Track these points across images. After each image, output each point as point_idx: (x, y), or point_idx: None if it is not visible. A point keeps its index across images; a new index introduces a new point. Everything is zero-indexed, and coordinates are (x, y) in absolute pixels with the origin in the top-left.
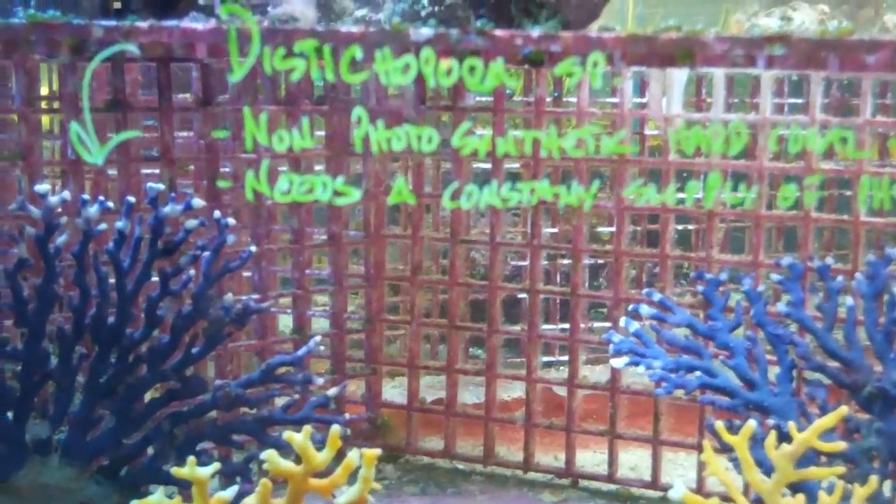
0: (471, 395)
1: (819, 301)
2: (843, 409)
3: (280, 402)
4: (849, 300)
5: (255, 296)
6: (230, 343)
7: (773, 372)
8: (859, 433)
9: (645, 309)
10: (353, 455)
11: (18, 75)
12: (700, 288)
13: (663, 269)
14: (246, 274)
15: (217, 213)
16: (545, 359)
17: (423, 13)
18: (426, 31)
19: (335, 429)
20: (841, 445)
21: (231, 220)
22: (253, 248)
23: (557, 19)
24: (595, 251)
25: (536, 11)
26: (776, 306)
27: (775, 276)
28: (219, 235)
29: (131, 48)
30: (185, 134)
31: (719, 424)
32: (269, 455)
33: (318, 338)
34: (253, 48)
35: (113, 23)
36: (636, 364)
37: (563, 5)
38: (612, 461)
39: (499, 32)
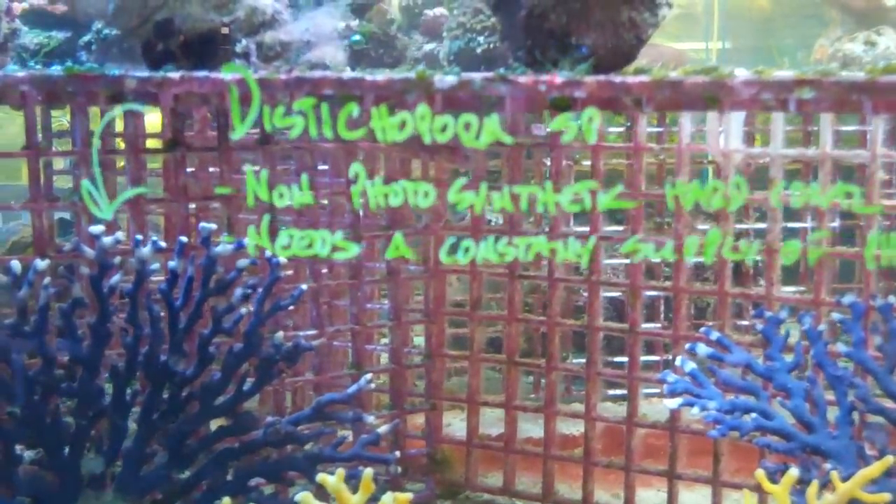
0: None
1: (880, 341)
2: (890, 459)
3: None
4: None
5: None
6: (288, 378)
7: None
8: None
9: (702, 348)
10: (386, 499)
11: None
12: (760, 326)
13: (722, 306)
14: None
15: (268, 252)
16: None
17: (478, 50)
18: (450, 79)
19: (367, 472)
20: (886, 497)
21: (283, 259)
22: (304, 286)
23: (589, 63)
24: (654, 287)
25: (571, 54)
26: (836, 346)
27: (836, 315)
28: (270, 274)
29: (137, 108)
30: None
31: (759, 472)
32: (304, 497)
33: (369, 375)
34: (253, 106)
35: (146, 74)
36: (691, 405)
37: (599, 48)
38: (672, 501)
39: (522, 78)
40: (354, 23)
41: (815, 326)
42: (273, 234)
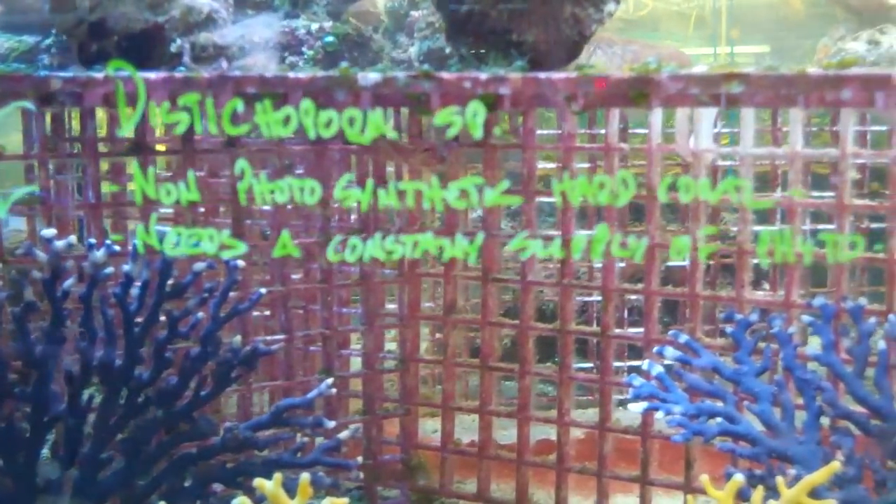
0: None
1: (850, 344)
2: (835, 465)
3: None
4: (881, 343)
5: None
6: (254, 384)
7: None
8: (885, 486)
9: (670, 351)
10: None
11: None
12: (729, 329)
13: (693, 309)
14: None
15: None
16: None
17: (447, 50)
18: (374, 76)
19: (304, 477)
20: (831, 503)
21: (241, 263)
22: (263, 290)
23: (526, 60)
24: (626, 290)
25: (514, 50)
26: (806, 349)
27: (806, 318)
28: (228, 277)
29: (27, 105)
30: None
31: (704, 478)
32: (241, 502)
33: (329, 380)
34: (139, 102)
35: (71, 74)
36: (656, 409)
37: (541, 45)
38: None
39: (446, 76)
40: (328, 24)
41: (785, 329)
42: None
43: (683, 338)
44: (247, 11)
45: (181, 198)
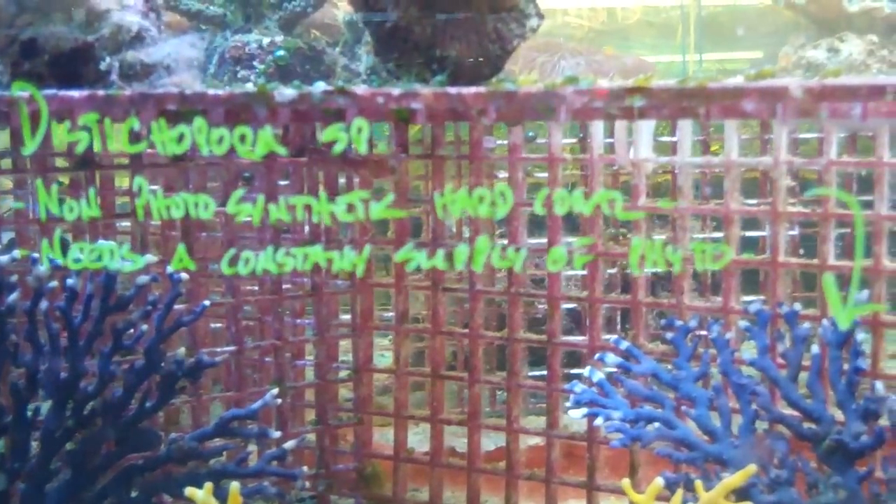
0: (490, 441)
1: (784, 348)
2: (752, 468)
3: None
4: (815, 348)
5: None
6: (205, 395)
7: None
8: (817, 488)
9: (610, 357)
10: None
11: None
12: (669, 335)
13: (636, 316)
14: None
15: (169, 268)
16: None
17: (390, 64)
18: (290, 92)
19: (234, 486)
20: None
21: (184, 276)
22: (207, 302)
23: (448, 74)
24: (569, 298)
25: (437, 64)
26: (742, 354)
27: (743, 323)
28: (172, 290)
29: None
30: None
31: (626, 482)
32: None
33: (275, 391)
34: (42, 122)
35: None
36: (595, 415)
37: (464, 59)
38: None
39: (360, 91)
40: (280, 38)
41: (723, 334)
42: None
43: (624, 344)
44: (179, 30)
45: (83, 214)
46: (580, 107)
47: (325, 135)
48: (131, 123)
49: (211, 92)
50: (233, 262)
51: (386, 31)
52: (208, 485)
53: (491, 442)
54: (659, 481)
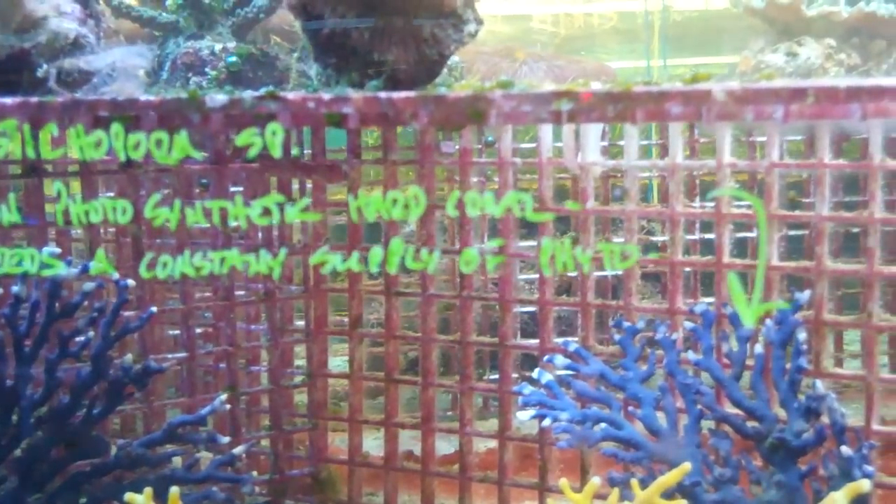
0: (450, 445)
1: (728, 348)
2: (686, 466)
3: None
4: (758, 347)
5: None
6: (156, 401)
7: None
8: (760, 486)
9: (559, 359)
10: None
11: None
12: (617, 337)
13: (585, 317)
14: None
15: (116, 275)
16: None
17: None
18: (221, 98)
19: (174, 491)
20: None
21: (130, 282)
22: (154, 309)
23: (385, 79)
24: (521, 301)
25: (374, 69)
26: (688, 354)
27: (688, 324)
28: (118, 297)
29: None
30: None
31: (563, 482)
32: None
33: (223, 396)
34: None
35: None
36: (542, 416)
37: (401, 64)
38: None
39: (291, 96)
40: (232, 44)
41: (669, 335)
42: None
43: (573, 346)
44: (121, 39)
45: (2, 219)
46: (509, 111)
47: (239, 139)
48: (50, 129)
49: (143, 98)
50: (150, 266)
51: (323, 37)
52: (148, 490)
53: (451, 445)
54: (596, 481)
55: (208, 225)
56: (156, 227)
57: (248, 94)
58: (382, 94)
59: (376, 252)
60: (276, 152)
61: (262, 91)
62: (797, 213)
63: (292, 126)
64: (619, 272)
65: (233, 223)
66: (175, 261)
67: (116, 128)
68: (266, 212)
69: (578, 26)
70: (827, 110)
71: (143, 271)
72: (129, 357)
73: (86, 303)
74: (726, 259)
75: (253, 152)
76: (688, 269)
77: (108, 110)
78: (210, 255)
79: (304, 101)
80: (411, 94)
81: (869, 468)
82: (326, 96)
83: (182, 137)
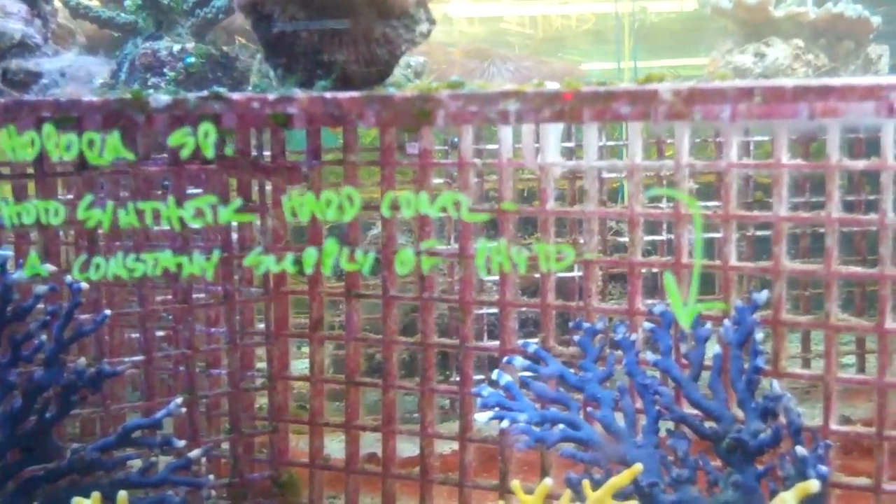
0: (416, 447)
1: (686, 349)
2: (638, 467)
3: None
4: (716, 347)
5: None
6: (114, 405)
7: None
8: (718, 486)
9: (518, 361)
10: None
11: None
12: (576, 338)
13: (545, 318)
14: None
15: (69, 278)
16: None
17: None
18: (164, 98)
19: (122, 495)
20: None
21: (84, 285)
22: (108, 312)
23: (330, 80)
24: (481, 302)
25: (323, 69)
26: (647, 355)
27: (647, 324)
28: (71, 300)
29: None
30: None
31: (515, 483)
32: None
33: (179, 400)
34: None
35: None
36: (501, 418)
37: (352, 64)
38: None
39: (236, 96)
40: (191, 45)
41: (628, 336)
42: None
43: (532, 347)
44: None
45: None
46: (456, 111)
47: (171, 139)
48: None
49: (85, 99)
50: (84, 268)
51: (273, 37)
52: (96, 495)
53: (417, 447)
54: (547, 482)
55: (139, 226)
56: (115, 229)
57: (193, 95)
58: (328, 94)
59: (310, 253)
60: (209, 152)
61: (206, 91)
62: (755, 213)
63: (239, 127)
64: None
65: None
66: (108, 262)
67: (48, 128)
68: (199, 213)
69: (556, 28)
70: (775, 110)
71: (76, 273)
72: (82, 360)
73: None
74: (685, 259)
75: (185, 153)
76: (655, 270)
77: (50, 111)
78: (143, 257)
79: (249, 102)
80: (357, 94)
81: (823, 468)
82: (271, 96)
83: (114, 138)
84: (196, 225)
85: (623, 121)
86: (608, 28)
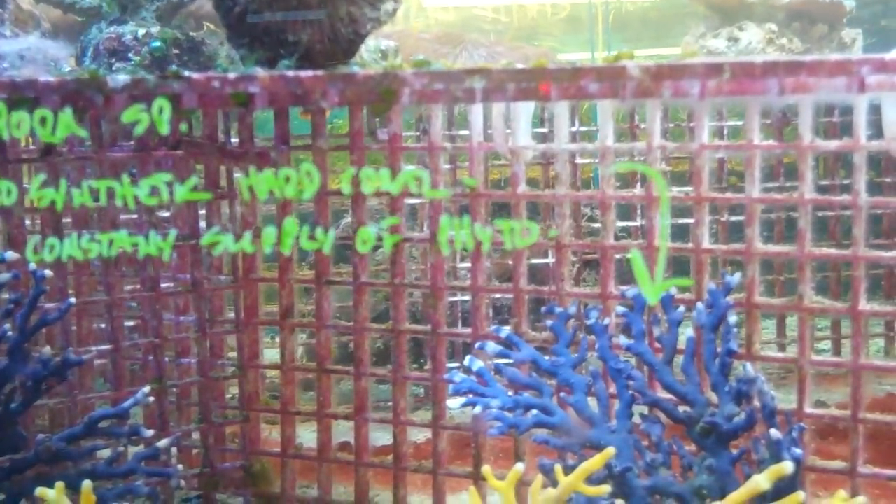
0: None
1: (659, 332)
2: (610, 451)
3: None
4: (689, 331)
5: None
6: (81, 395)
7: None
8: (692, 470)
9: (491, 346)
10: None
11: None
12: (549, 322)
13: (518, 303)
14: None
15: (32, 266)
16: None
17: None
18: (123, 78)
19: (86, 485)
20: (605, 489)
21: (48, 272)
22: (73, 300)
23: (297, 59)
24: (453, 287)
25: (287, 49)
26: (620, 339)
27: (620, 308)
28: (34, 288)
29: None
30: None
31: (486, 469)
32: None
33: (146, 389)
34: None
35: None
36: (473, 404)
37: (316, 44)
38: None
39: (195, 76)
40: (156, 29)
41: (601, 320)
42: None
43: (505, 332)
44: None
45: None
46: (421, 88)
47: (125, 115)
48: None
49: (42, 79)
50: (37, 249)
51: (235, 17)
52: (59, 484)
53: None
54: (519, 467)
55: (94, 205)
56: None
57: (152, 76)
58: (290, 73)
59: (269, 232)
60: (164, 129)
61: (165, 71)
62: (728, 195)
63: (199, 107)
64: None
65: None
66: (62, 243)
67: None
68: (154, 191)
69: (531, 17)
70: (745, 86)
71: (29, 254)
72: (47, 349)
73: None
74: (657, 242)
75: (139, 129)
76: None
77: (6, 91)
78: (98, 237)
79: (209, 81)
80: (319, 72)
81: (797, 451)
82: (232, 76)
83: (66, 115)
84: (151, 203)
85: (591, 99)
86: (583, 17)
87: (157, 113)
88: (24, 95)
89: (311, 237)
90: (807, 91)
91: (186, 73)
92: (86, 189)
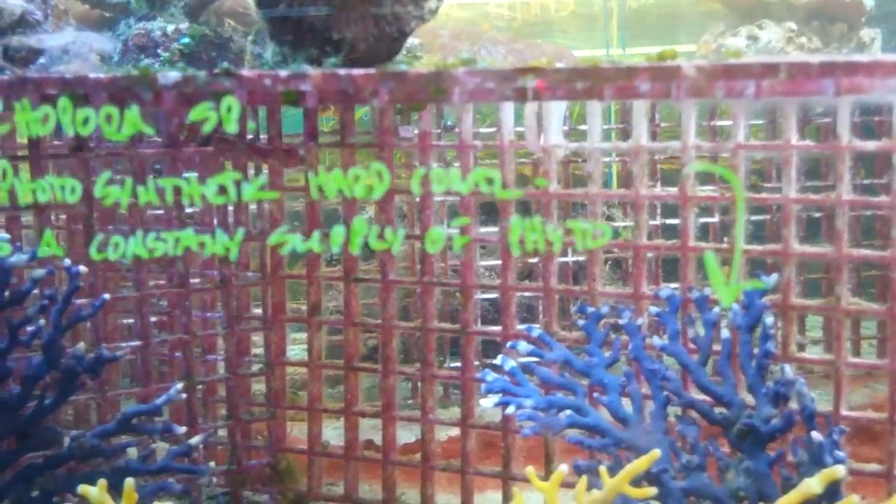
0: (412, 433)
1: (694, 333)
2: (656, 453)
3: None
4: (725, 332)
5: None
6: (110, 391)
7: None
8: (729, 473)
9: (523, 346)
10: None
11: None
12: (581, 322)
13: (548, 303)
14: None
15: (67, 261)
16: None
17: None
18: (174, 75)
19: (129, 483)
20: (650, 492)
21: (82, 268)
22: (107, 296)
23: (343, 57)
24: (483, 286)
25: (332, 47)
26: (654, 340)
27: (654, 309)
28: (69, 284)
29: None
30: None
31: (530, 470)
32: None
33: (179, 386)
34: None
35: None
36: (506, 404)
37: (360, 42)
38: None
39: (246, 73)
40: (185, 25)
41: (634, 320)
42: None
43: (536, 332)
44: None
45: None
46: (473, 88)
47: (192, 114)
48: None
49: (92, 76)
50: (102, 247)
51: (280, 13)
52: (102, 482)
53: (413, 434)
54: (563, 468)
55: (160, 204)
56: (108, 208)
57: (202, 72)
58: (342, 71)
59: (338, 231)
60: (232, 128)
61: (217, 68)
62: (764, 195)
63: (248, 104)
64: (582, 258)
65: (188, 206)
66: (127, 242)
67: (64, 102)
68: (222, 190)
69: (535, 13)
70: (800, 86)
71: (93, 252)
72: (81, 345)
73: (37, 290)
74: (692, 243)
75: (208, 127)
76: (650, 254)
77: (56, 88)
78: (164, 236)
79: (261, 78)
80: (371, 70)
81: (840, 454)
82: (283, 73)
83: (133, 112)
84: (218, 202)
85: (643, 98)
86: (589, 12)
87: (224, 111)
88: (74, 92)
89: (381, 237)
90: (862, 92)
91: (238, 71)
92: (152, 187)
